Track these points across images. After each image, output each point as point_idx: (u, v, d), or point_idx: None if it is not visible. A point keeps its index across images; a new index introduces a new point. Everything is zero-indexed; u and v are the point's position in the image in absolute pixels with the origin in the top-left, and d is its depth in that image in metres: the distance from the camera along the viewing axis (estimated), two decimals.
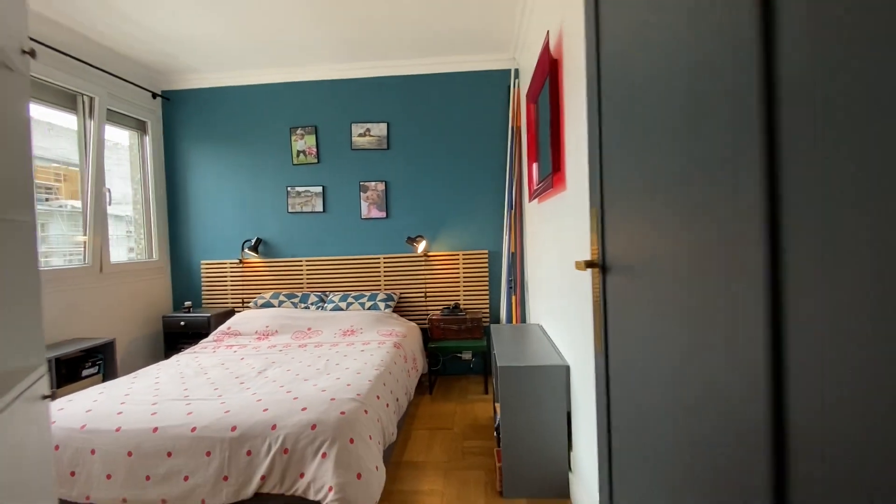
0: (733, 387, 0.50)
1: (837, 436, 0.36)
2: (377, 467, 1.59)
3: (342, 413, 1.59)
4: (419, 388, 3.13)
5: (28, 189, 0.92)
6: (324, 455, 1.48)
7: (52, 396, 1.01)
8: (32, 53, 0.94)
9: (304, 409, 1.62)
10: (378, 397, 1.90)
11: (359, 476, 1.47)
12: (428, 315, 3.43)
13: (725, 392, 0.52)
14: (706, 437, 0.57)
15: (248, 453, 1.52)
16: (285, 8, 2.62)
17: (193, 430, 1.57)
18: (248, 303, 3.54)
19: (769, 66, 0.44)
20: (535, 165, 2.55)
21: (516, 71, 3.36)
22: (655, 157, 0.70)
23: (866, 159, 0.33)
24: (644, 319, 0.75)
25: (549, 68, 1.91)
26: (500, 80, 3.44)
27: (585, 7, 1.05)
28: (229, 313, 3.47)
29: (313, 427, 1.53)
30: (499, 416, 1.96)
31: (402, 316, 3.42)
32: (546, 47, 1.96)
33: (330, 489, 1.42)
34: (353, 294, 3.38)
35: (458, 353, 3.49)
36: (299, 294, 3.42)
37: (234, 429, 1.56)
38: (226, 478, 1.51)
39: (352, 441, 1.52)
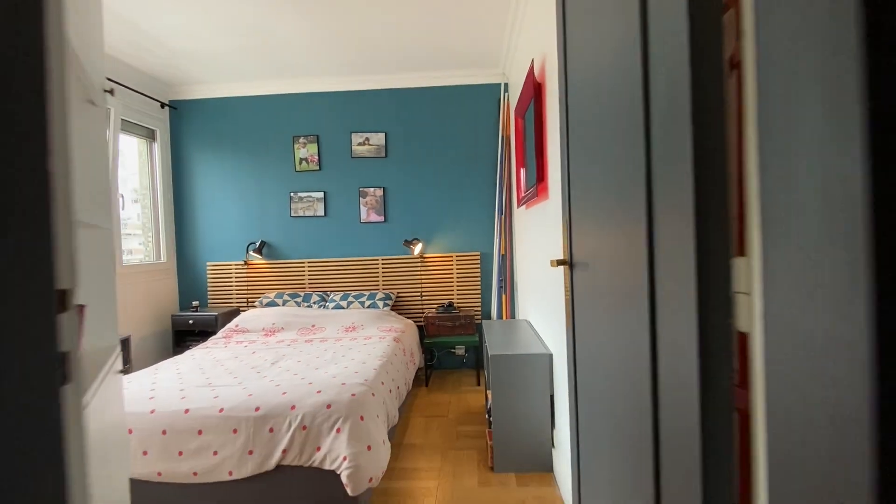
0: (633, 361, 0.73)
1: (684, 395, 0.58)
2: (384, 441, 1.81)
3: (353, 395, 1.81)
4: (416, 381, 3.35)
5: (109, 200, 1.13)
6: (338, 430, 1.70)
7: (125, 371, 1.22)
8: (112, 91, 1.15)
9: (318, 391, 1.84)
10: (382, 383, 2.12)
11: (369, 448, 1.69)
12: (424, 313, 3.66)
13: (631, 364, 0.75)
14: (624, 406, 0.80)
15: (271, 430, 1.74)
16: (290, 25, 2.84)
17: (221, 410, 1.78)
18: (254, 302, 3.74)
19: (647, 108, 0.67)
20: (522, 174, 2.80)
21: (506, 85, 3.61)
22: (596, 173, 0.93)
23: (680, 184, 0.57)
24: (594, 307, 0.99)
25: (534, 91, 2.16)
26: (490, 93, 3.69)
27: (557, 46, 1.29)
28: (234, 312, 3.66)
29: (328, 407, 1.75)
30: (490, 401, 2.19)
31: (399, 314, 3.64)
32: (531, 72, 2.21)
33: (344, 459, 1.64)
34: (354, 293, 3.59)
35: (451, 348, 3.72)
36: (302, 294, 3.63)
37: (257, 409, 1.77)
38: (251, 452, 1.72)
39: (362, 419, 1.74)
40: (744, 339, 0.50)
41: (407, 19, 2.77)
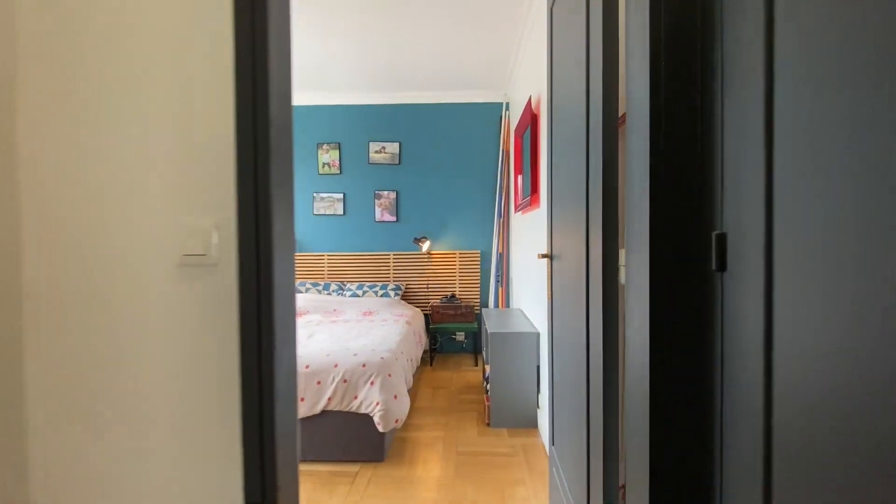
0: (578, 338, 1.23)
1: (597, 351, 1.09)
2: (405, 394, 2.31)
3: (382, 357, 2.31)
4: (421, 361, 3.85)
5: None
6: (371, 383, 2.19)
7: None
8: None
9: (354, 354, 2.34)
10: (402, 352, 2.62)
11: (395, 397, 2.19)
12: (429, 303, 4.16)
13: (577, 341, 1.25)
14: (573, 366, 1.30)
15: (318, 383, 2.23)
16: (321, 47, 3.33)
17: None
18: None
19: (588, 123, 1.17)
20: (519, 185, 3.31)
21: (507, 104, 4.11)
22: (563, 187, 1.43)
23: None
24: (562, 290, 1.49)
25: (531, 120, 2.66)
26: (492, 111, 4.19)
27: (546, 88, 1.78)
28: None
29: (363, 366, 2.24)
30: (488, 372, 2.69)
31: (408, 303, 4.14)
32: (528, 105, 2.71)
33: (377, 404, 2.14)
34: (368, 284, 4.09)
35: (452, 334, 4.22)
36: (322, 282, 4.11)
37: (307, 367, 2.26)
38: (302, 399, 2.21)
39: (389, 375, 2.24)
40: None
41: (423, 46, 3.28)
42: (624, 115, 1.06)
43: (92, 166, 0.83)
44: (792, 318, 0.52)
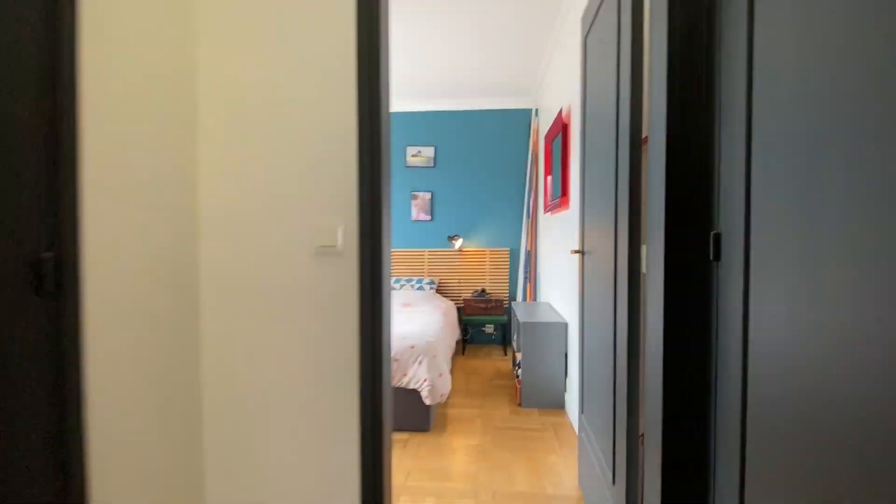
0: (607, 319, 1.49)
1: (635, 336, 1.35)
2: (449, 372, 2.61)
3: (428, 340, 2.61)
4: (454, 351, 4.14)
5: None
6: (419, 362, 2.50)
7: None
8: None
9: (403, 338, 2.64)
10: (442, 338, 2.92)
11: (440, 375, 2.49)
12: (461, 296, 4.45)
13: (606, 321, 1.51)
14: (601, 352, 1.56)
15: None
16: None
17: None
18: None
19: (617, 131, 1.43)
20: (548, 187, 3.56)
21: (535, 110, 4.36)
22: (595, 189, 1.69)
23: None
24: (593, 283, 1.75)
25: (561, 129, 2.92)
26: (522, 116, 4.45)
27: (580, 104, 2.04)
28: None
29: (412, 347, 2.55)
30: (518, 359, 2.96)
31: (442, 296, 4.44)
32: (559, 116, 2.97)
33: (425, 380, 2.44)
34: (405, 278, 4.40)
35: (482, 326, 4.50)
36: None
37: None
38: None
39: (434, 357, 2.54)
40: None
41: (459, 59, 3.56)
42: (646, 137, 1.32)
43: (251, 177, 1.17)
44: (762, 297, 0.79)
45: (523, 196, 4.44)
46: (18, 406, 0.74)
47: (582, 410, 1.90)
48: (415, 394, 2.49)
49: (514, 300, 4.47)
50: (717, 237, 0.95)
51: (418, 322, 3.16)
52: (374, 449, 1.22)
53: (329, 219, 1.16)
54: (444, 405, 2.88)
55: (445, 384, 2.53)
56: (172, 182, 1.08)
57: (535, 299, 4.15)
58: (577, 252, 1.92)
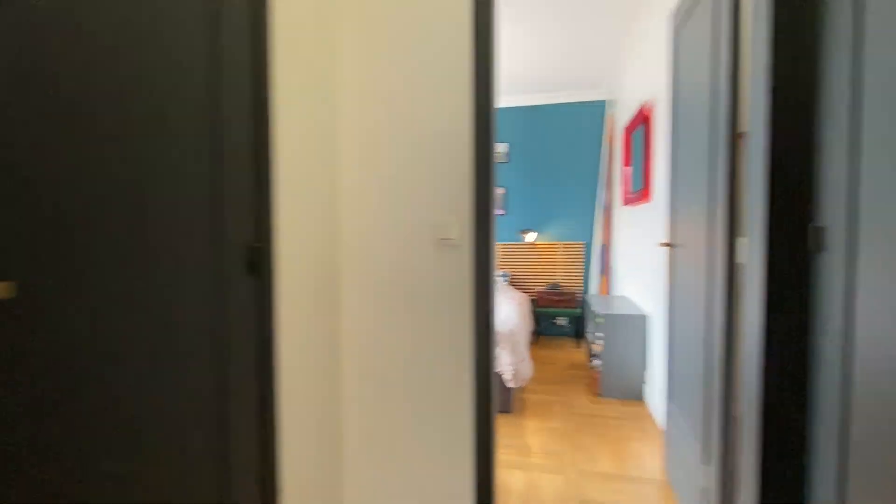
0: (696, 309, 1.54)
1: (730, 323, 1.40)
2: (529, 358, 2.75)
3: (510, 328, 2.77)
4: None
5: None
6: (503, 348, 2.66)
7: None
8: None
9: None
10: (522, 327, 3.06)
11: (522, 360, 2.64)
12: (533, 289, 4.55)
13: (696, 312, 1.56)
14: (693, 345, 1.61)
15: None
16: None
17: None
18: None
19: (714, 122, 1.48)
20: (627, 180, 3.55)
21: (611, 102, 4.32)
22: (685, 186, 1.74)
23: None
24: (682, 273, 1.79)
25: (642, 121, 2.92)
26: (595, 109, 4.42)
27: (668, 97, 2.06)
28: None
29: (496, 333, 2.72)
30: (595, 350, 3.02)
31: (515, 288, 4.57)
32: (641, 108, 2.97)
33: (509, 364, 2.60)
34: None
35: (554, 318, 4.57)
36: None
37: None
38: None
39: (517, 343, 2.69)
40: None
41: (537, 55, 3.64)
42: (741, 133, 1.37)
43: (388, 184, 1.38)
44: (870, 289, 0.85)
45: (596, 189, 4.43)
46: (237, 346, 1.00)
47: (670, 398, 1.96)
48: (496, 377, 2.66)
49: (587, 293, 4.49)
50: (817, 230, 1.01)
51: (499, 311, 3.32)
52: (485, 422, 1.40)
53: (447, 217, 1.34)
54: (522, 390, 3.03)
55: (527, 369, 2.67)
56: (323, 189, 1.32)
57: (609, 292, 4.15)
58: (665, 245, 1.97)
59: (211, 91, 0.91)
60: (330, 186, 1.35)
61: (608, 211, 4.24)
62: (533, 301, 4.50)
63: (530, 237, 4.54)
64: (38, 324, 0.57)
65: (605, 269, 4.18)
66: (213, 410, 0.94)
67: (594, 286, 4.30)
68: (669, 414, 1.96)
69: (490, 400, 1.41)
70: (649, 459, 2.15)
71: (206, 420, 0.92)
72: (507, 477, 2.03)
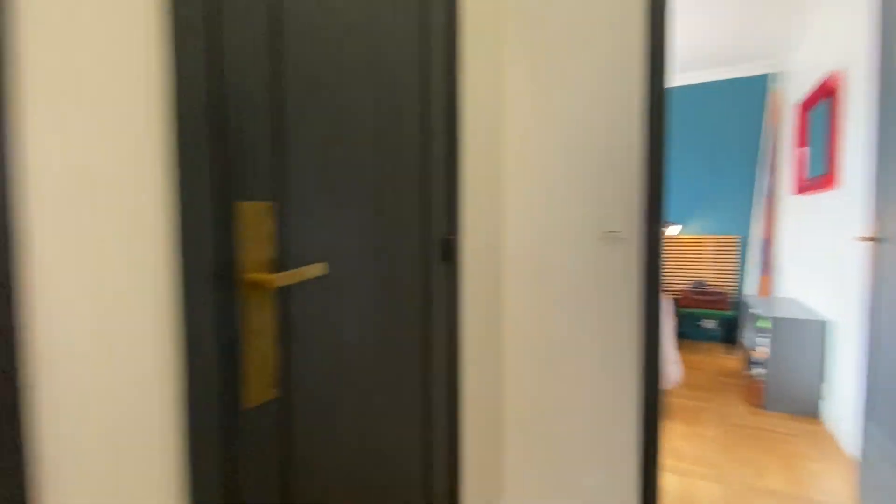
0: None
1: None
2: (679, 360, 2.59)
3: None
4: None
5: None
6: None
7: None
8: None
9: None
10: (667, 325, 2.88)
11: (673, 363, 2.50)
12: (673, 286, 4.21)
13: None
14: None
15: None
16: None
17: None
18: None
19: None
20: (802, 164, 3.08)
21: (775, 76, 3.76)
22: None
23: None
24: (893, 273, 1.52)
25: (825, 94, 2.51)
26: (755, 85, 3.89)
27: (871, 62, 1.74)
28: None
29: None
30: (754, 357, 2.70)
31: None
32: (824, 82, 2.55)
33: None
34: None
35: (699, 321, 4.17)
36: None
37: None
38: None
39: (667, 343, 2.55)
40: None
41: (697, 29, 3.34)
42: None
43: (548, 173, 1.42)
44: None
45: (754, 176, 3.91)
46: (437, 333, 1.15)
47: (868, 417, 1.70)
48: None
49: (741, 294, 4.01)
50: None
51: None
52: (651, 424, 1.39)
53: (612, 212, 1.36)
54: (668, 394, 2.85)
55: (677, 371, 2.52)
56: (492, 186, 1.43)
57: (772, 293, 3.65)
58: (867, 239, 1.70)
59: (423, 106, 1.07)
60: (496, 182, 1.46)
61: (771, 201, 3.72)
62: (675, 301, 4.16)
63: (672, 231, 4.20)
64: (340, 294, 0.76)
65: (767, 267, 3.69)
66: (419, 398, 1.09)
67: (751, 286, 3.83)
68: (867, 436, 1.69)
69: (657, 393, 1.40)
70: (837, 484, 1.89)
71: (413, 407, 1.07)
72: (660, 479, 1.96)
